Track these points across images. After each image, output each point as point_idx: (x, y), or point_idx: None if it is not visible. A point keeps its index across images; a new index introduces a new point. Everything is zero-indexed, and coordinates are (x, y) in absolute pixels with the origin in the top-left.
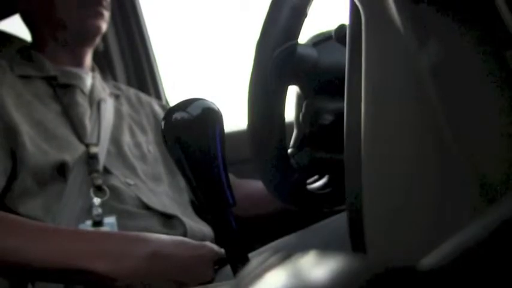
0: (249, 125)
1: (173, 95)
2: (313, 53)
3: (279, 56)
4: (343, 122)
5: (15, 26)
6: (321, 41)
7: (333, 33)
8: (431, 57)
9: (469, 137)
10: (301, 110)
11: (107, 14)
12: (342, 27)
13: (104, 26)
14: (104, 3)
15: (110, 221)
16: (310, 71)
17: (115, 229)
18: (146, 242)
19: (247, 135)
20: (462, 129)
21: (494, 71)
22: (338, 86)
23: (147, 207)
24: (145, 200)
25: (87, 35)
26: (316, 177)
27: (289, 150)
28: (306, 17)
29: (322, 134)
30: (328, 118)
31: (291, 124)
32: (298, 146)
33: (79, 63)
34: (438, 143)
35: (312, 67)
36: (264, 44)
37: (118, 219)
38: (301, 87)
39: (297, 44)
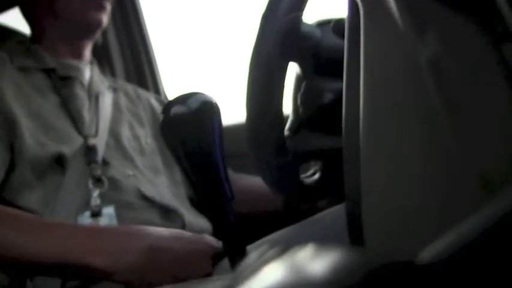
0: (248, 96)
1: (172, 90)
2: (316, 32)
3: (283, 27)
4: (341, 103)
5: (14, 21)
6: (325, 23)
7: (331, 27)
8: (429, 50)
9: (467, 130)
10: (300, 91)
11: (109, 7)
12: (340, 21)
13: (106, 19)
14: None
15: (108, 211)
16: (312, 49)
17: (113, 220)
18: (144, 236)
19: (246, 118)
20: (461, 121)
21: (493, 64)
22: (339, 68)
23: (146, 199)
24: (144, 190)
25: (88, 28)
26: (312, 170)
27: (285, 133)
28: None
29: (321, 115)
30: (327, 97)
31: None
32: (295, 129)
33: (78, 55)
34: (436, 136)
35: (315, 45)
36: (268, 16)
37: (117, 210)
38: (301, 66)
39: (301, 18)
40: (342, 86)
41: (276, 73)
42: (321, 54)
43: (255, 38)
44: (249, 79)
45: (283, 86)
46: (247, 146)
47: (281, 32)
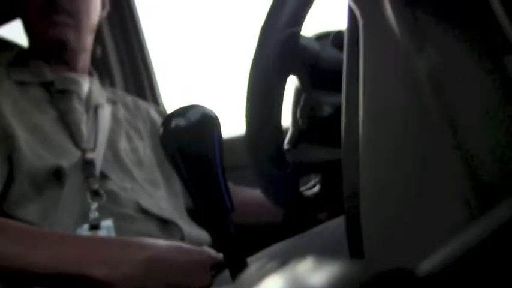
0: (246, 109)
1: (171, 101)
2: (315, 45)
3: (282, 40)
4: (340, 116)
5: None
6: (323, 36)
7: (330, 40)
8: (428, 62)
9: (466, 141)
10: (299, 104)
11: (70, 21)
12: (339, 34)
13: (70, 34)
14: (60, 9)
15: (106, 224)
16: (311, 62)
17: (112, 233)
18: (143, 247)
19: (245, 131)
20: (459, 132)
21: (492, 76)
22: (338, 80)
23: (145, 211)
24: (142, 203)
25: (52, 45)
26: (312, 182)
27: (284, 147)
28: (311, 5)
29: (320, 128)
30: (326, 110)
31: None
32: (294, 142)
33: (75, 68)
34: (435, 146)
35: (313, 58)
36: (267, 28)
37: (115, 223)
38: (300, 79)
39: (300, 31)
40: (341, 98)
41: (275, 86)
42: (319, 67)
43: (254, 51)
44: (247, 93)
45: (282, 99)
46: (247, 159)
47: (279, 46)
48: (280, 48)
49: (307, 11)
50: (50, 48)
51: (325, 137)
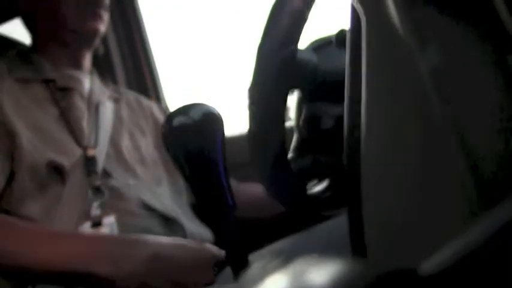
0: (249, 129)
1: (173, 99)
2: (313, 57)
3: (279, 60)
4: (343, 127)
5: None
6: (320, 46)
7: (333, 38)
8: (431, 61)
9: (468, 138)
10: (302, 115)
11: (105, 15)
12: (342, 32)
13: (103, 27)
14: (103, 4)
15: (109, 220)
16: (310, 75)
17: (114, 229)
18: (146, 244)
19: (248, 139)
20: (463, 131)
21: (495, 74)
22: (338, 91)
23: (147, 208)
24: (145, 199)
25: (85, 36)
26: (316, 181)
27: (289, 155)
28: (306, 21)
29: (323, 139)
30: (328, 122)
31: (291, 129)
32: (298, 151)
33: (78, 65)
34: (439, 146)
35: (312, 71)
36: (264, 48)
37: (118, 219)
38: (301, 92)
39: (296, 48)
40: (342, 108)
41: (276, 101)
42: (318, 79)
43: (252, 71)
44: (249, 107)
45: (285, 108)
46: (250, 158)
47: (277, 66)
48: (278, 68)
49: (302, 28)
50: (82, 38)
51: (328, 146)
